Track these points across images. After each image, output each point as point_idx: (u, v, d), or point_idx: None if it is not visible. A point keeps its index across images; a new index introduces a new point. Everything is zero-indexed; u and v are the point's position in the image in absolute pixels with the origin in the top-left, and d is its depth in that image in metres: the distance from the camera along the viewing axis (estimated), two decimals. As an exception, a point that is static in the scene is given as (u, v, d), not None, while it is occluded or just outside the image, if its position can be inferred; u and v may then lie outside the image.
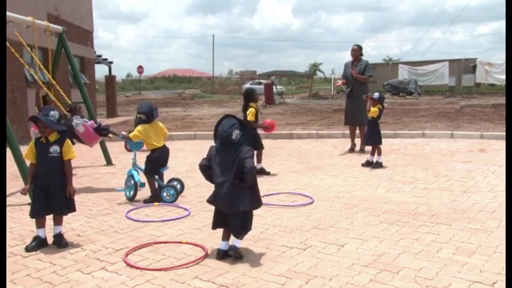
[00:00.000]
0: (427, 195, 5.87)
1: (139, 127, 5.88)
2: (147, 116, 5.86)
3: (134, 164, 6.00)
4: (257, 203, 4.00)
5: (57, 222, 4.34)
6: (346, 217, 5.04)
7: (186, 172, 7.60)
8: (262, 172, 7.21)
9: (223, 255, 3.90)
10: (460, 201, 5.59)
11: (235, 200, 3.81)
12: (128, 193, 5.91)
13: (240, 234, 3.92)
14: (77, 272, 3.70)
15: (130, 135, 5.85)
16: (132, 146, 6.17)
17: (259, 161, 7.26)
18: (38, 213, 4.24)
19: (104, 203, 5.80)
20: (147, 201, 5.75)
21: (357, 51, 9.35)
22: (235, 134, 3.85)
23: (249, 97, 7.19)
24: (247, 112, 7.06)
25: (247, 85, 32.08)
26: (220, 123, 3.93)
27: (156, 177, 5.96)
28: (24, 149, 4.50)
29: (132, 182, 5.86)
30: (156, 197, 5.78)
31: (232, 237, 3.98)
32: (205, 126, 13.81)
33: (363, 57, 9.43)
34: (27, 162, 4.71)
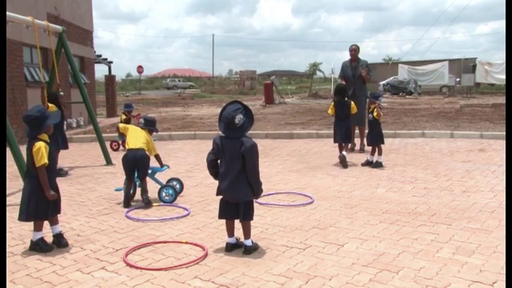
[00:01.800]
0: (426, 195, 5.87)
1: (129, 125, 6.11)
2: (146, 123, 5.98)
3: None
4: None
5: (55, 221, 4.31)
6: (346, 217, 5.04)
7: (185, 172, 7.59)
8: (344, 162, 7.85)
9: (231, 247, 4.06)
10: (460, 201, 5.59)
11: (239, 190, 3.94)
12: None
13: (245, 220, 4.04)
14: (76, 271, 3.70)
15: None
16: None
17: (347, 149, 8.10)
18: (53, 214, 4.23)
19: (104, 203, 5.80)
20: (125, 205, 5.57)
21: (357, 51, 9.37)
22: (239, 118, 3.90)
23: (345, 91, 8.18)
24: (352, 105, 7.93)
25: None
26: (226, 108, 4.01)
27: (157, 178, 5.99)
28: (24, 149, 4.44)
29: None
30: (126, 200, 5.62)
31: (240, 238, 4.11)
32: (205, 126, 13.80)
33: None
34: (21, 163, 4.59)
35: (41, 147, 4.05)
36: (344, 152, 7.87)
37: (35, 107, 4.35)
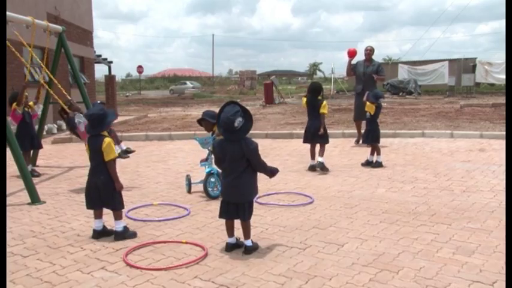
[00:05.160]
0: (426, 195, 5.87)
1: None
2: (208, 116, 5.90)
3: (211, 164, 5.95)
4: (255, 192, 4.15)
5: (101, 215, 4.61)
6: (346, 217, 5.04)
7: (186, 172, 7.58)
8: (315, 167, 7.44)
9: (231, 247, 4.07)
10: (460, 200, 5.59)
11: (240, 191, 3.95)
12: (212, 192, 5.88)
13: (246, 220, 4.04)
14: (76, 271, 3.70)
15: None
16: (202, 144, 6.08)
17: (321, 154, 7.46)
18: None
19: (104, 203, 5.79)
20: None
21: (371, 52, 9.86)
22: (238, 121, 3.88)
23: (319, 91, 7.47)
24: (322, 105, 7.33)
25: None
26: (223, 110, 3.96)
27: None
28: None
29: (214, 179, 5.87)
30: None
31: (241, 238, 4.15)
32: (205, 126, 13.78)
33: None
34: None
35: (110, 142, 4.37)
36: (318, 159, 7.41)
37: (96, 105, 4.69)
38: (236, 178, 3.93)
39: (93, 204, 4.48)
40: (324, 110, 7.33)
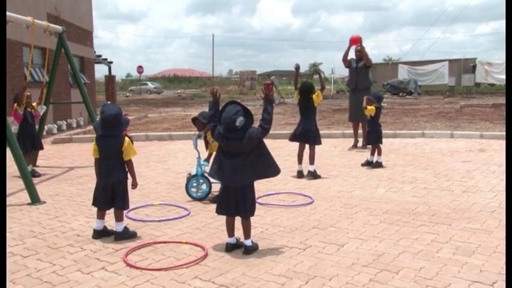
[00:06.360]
0: (426, 195, 5.87)
1: None
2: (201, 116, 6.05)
3: (200, 164, 5.98)
4: (267, 170, 4.22)
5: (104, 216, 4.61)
6: (346, 217, 5.04)
7: (186, 172, 7.58)
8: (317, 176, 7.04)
9: (231, 247, 4.06)
10: (460, 201, 5.59)
11: (243, 174, 3.95)
12: (195, 194, 5.85)
13: (248, 216, 4.02)
14: (76, 272, 3.70)
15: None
16: (194, 144, 6.16)
17: (311, 161, 7.15)
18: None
19: (104, 203, 5.79)
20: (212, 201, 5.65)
21: (362, 52, 9.88)
22: (239, 120, 3.91)
23: (311, 91, 7.11)
24: (315, 95, 7.04)
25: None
26: (225, 110, 3.97)
27: None
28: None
29: (204, 184, 5.84)
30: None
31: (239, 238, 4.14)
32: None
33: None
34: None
35: (129, 141, 4.40)
36: (308, 168, 7.08)
37: (110, 105, 4.57)
38: (238, 165, 3.95)
39: (106, 205, 4.44)
40: (318, 97, 7.04)
